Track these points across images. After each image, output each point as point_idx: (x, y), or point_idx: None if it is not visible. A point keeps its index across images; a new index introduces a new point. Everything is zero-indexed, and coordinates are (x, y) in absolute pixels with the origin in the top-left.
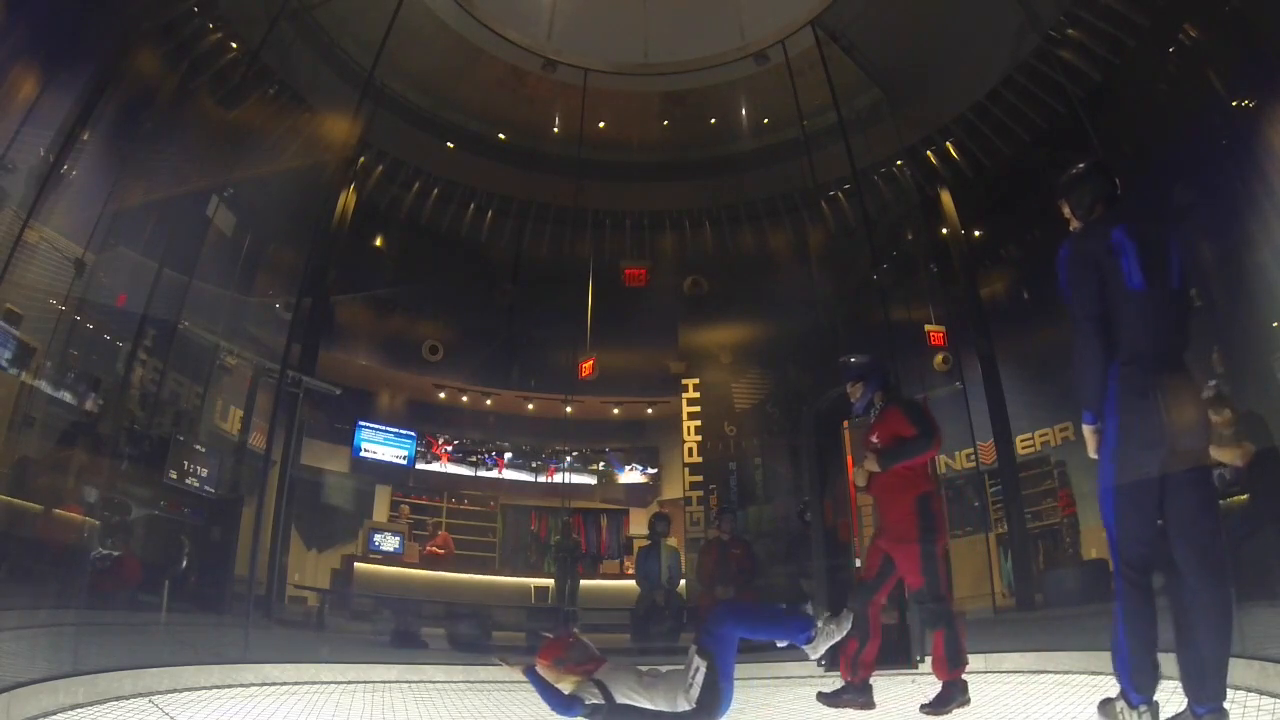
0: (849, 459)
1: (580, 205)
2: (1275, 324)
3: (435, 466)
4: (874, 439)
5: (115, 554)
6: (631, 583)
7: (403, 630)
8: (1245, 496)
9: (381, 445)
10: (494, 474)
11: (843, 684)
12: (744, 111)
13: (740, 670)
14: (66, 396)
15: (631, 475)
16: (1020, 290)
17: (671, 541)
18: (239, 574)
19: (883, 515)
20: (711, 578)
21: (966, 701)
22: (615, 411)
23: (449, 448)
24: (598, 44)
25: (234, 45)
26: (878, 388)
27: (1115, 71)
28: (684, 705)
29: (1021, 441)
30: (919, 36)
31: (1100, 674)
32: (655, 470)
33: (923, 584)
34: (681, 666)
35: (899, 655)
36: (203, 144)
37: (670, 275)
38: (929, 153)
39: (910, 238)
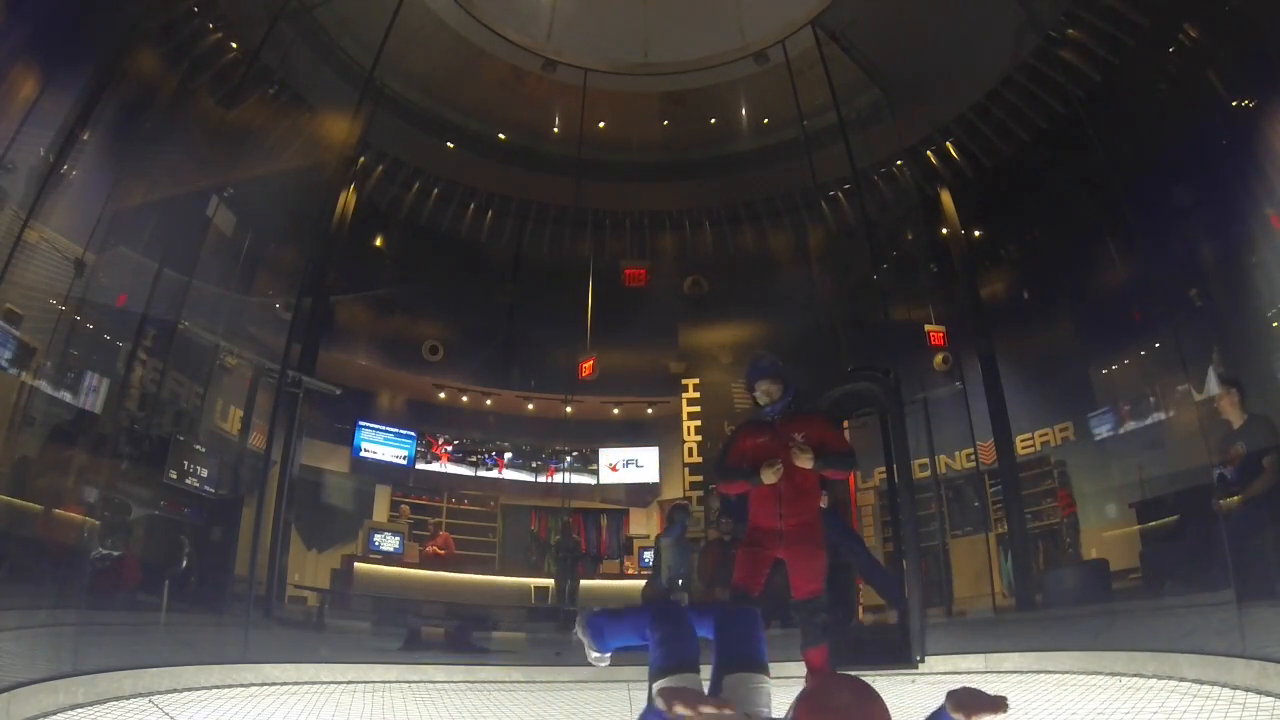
0: None
1: (580, 205)
2: (1275, 324)
3: (435, 466)
4: (799, 437)
5: (115, 554)
6: (632, 582)
7: (414, 633)
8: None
9: (381, 445)
10: (494, 474)
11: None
12: (744, 111)
13: None
14: (66, 396)
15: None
16: (1020, 290)
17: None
18: (239, 574)
19: (786, 518)
20: (712, 578)
21: None
22: (615, 411)
23: (449, 448)
24: (597, 44)
25: (234, 45)
26: (793, 395)
27: (1115, 71)
28: None
29: (1021, 441)
30: (919, 36)
31: (1100, 674)
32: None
33: (821, 591)
34: None
35: (899, 655)
36: (203, 144)
37: (670, 275)
38: (929, 153)
39: (910, 238)
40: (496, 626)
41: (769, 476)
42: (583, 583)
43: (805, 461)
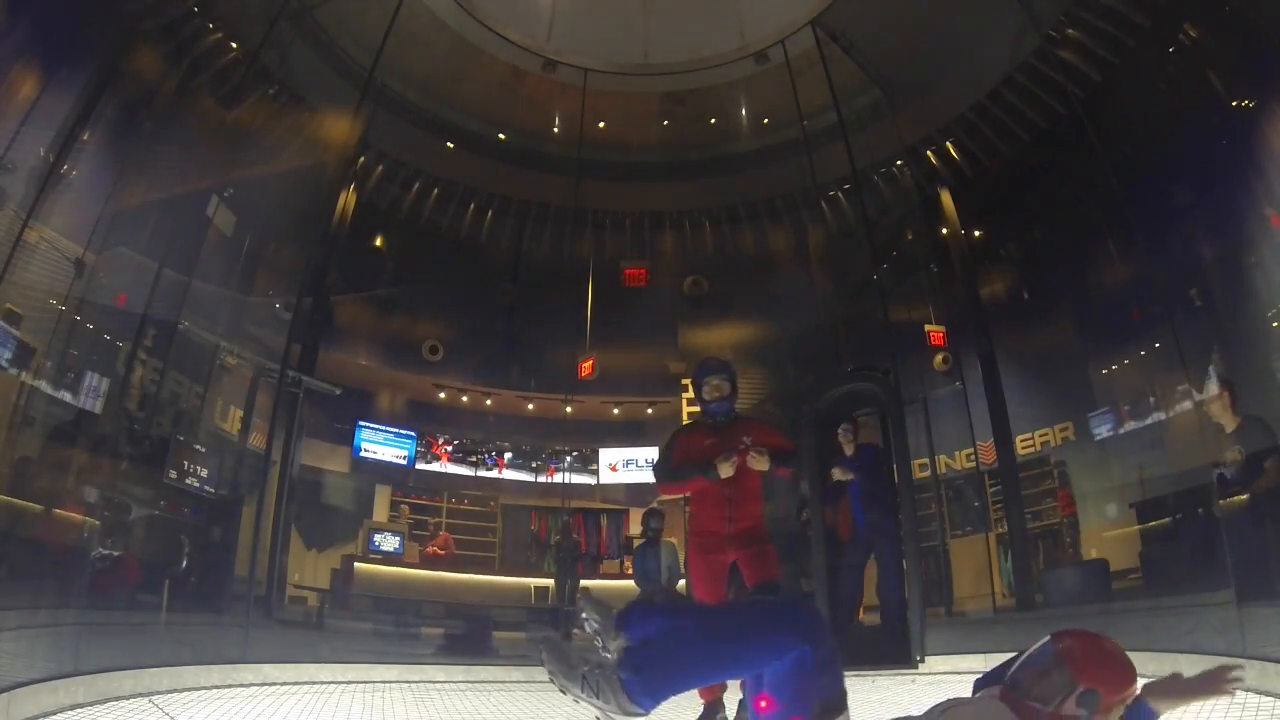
0: None
1: (580, 205)
2: (1275, 324)
3: (435, 466)
4: (747, 439)
5: (115, 554)
6: (632, 583)
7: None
8: (1245, 497)
9: (381, 445)
10: (494, 474)
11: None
12: (744, 111)
13: None
14: (66, 396)
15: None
16: (1020, 290)
17: (671, 539)
18: (239, 574)
19: (735, 522)
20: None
21: None
22: (615, 411)
23: (449, 448)
24: (597, 44)
25: (234, 45)
26: (736, 401)
27: (1115, 71)
28: None
29: (1021, 441)
30: (919, 36)
31: None
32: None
33: (776, 577)
34: None
35: (899, 655)
36: (203, 144)
37: (670, 275)
38: (929, 153)
39: (910, 238)
40: (497, 626)
41: (726, 470)
42: (583, 582)
43: (761, 464)
